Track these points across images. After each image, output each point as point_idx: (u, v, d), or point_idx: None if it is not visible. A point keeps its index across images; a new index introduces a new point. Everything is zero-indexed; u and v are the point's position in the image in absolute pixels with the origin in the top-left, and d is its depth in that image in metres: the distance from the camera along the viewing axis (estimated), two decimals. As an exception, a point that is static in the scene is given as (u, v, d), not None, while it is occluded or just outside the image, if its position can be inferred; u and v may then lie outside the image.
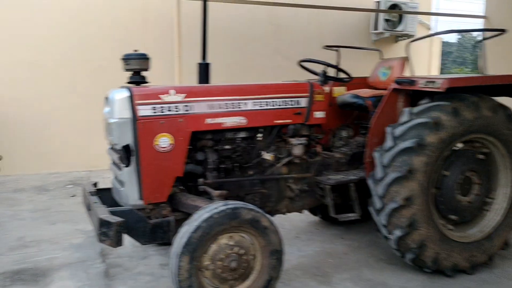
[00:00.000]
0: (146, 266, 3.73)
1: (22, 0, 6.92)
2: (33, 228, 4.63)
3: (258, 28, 8.45)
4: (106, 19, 7.36)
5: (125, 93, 3.02)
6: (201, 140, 3.37)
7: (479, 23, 8.90)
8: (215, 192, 3.05)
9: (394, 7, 8.94)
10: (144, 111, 3.04)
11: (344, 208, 3.85)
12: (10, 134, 7.03)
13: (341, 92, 4.34)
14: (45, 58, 7.06)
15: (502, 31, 3.66)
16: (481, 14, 8.61)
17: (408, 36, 9.40)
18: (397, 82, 3.58)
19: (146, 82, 3.27)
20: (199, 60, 5.75)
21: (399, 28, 9.10)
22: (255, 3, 7.74)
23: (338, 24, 9.05)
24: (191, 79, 6.19)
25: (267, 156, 3.58)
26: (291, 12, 8.38)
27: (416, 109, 3.40)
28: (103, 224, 2.77)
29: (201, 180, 3.25)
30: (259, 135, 3.57)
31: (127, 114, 3.00)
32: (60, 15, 7.13)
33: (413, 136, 3.27)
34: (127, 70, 3.20)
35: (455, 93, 3.42)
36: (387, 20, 9.02)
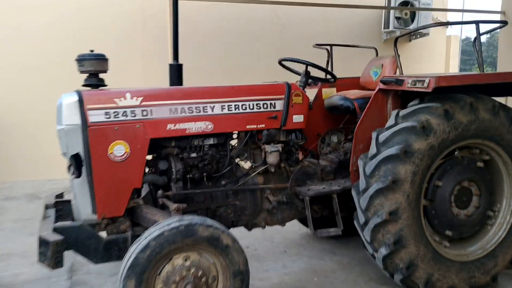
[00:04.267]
0: (114, 284, 3.46)
1: (18, 3, 6.83)
2: (9, 240, 4.43)
3: (262, 27, 8.15)
4: (103, 21, 7.20)
5: (74, 97, 2.76)
6: (165, 148, 3.08)
7: (496, 18, 8.36)
8: (172, 206, 2.75)
9: (405, 4, 8.49)
10: (96, 116, 2.77)
11: (330, 222, 3.49)
12: (5, 140, 6.94)
13: (330, 94, 4.00)
14: (42, 62, 6.95)
15: (504, 22, 3.25)
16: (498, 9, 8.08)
17: (421, 35, 8.93)
18: (383, 82, 3.21)
19: (104, 85, 3.00)
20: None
21: (412, 26, 8.63)
22: (258, 2, 7.44)
23: (346, 23, 8.66)
24: (186, 81, 5.95)
25: (243, 164, 3.28)
26: (296, 10, 8.04)
27: (403, 112, 3.03)
28: (41, 243, 2.51)
29: (160, 192, 2.96)
30: (231, 141, 3.27)
31: (76, 120, 2.73)
32: (55, 19, 7.02)
33: (399, 142, 2.89)
34: (82, 72, 2.94)
35: (450, 93, 3.03)
36: (398, 18, 8.57)
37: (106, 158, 2.80)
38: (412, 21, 8.67)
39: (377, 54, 4.33)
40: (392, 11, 8.43)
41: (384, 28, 8.72)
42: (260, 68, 7.79)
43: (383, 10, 8.67)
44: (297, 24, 8.34)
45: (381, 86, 3.24)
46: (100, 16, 7.19)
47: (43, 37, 6.94)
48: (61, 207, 3.26)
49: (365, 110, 3.29)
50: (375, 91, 3.29)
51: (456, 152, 3.18)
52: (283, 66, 3.70)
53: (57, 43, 7.00)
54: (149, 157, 3.14)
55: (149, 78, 7.28)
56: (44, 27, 6.95)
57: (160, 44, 7.16)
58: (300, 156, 3.47)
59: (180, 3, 6.49)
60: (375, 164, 2.93)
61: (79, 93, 2.78)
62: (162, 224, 2.54)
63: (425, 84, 2.89)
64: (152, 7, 7.36)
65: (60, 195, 3.43)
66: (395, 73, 3.67)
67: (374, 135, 3.09)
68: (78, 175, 2.79)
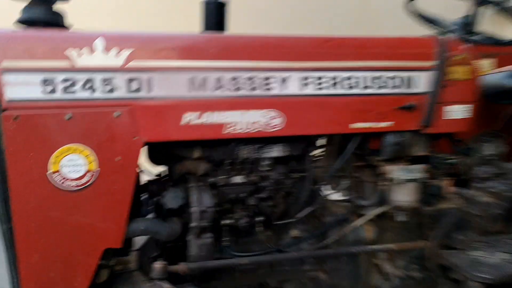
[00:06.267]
0: None
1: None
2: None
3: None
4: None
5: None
6: (178, 162, 1.48)
7: None
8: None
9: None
10: (22, 88, 1.21)
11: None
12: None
13: (487, 69, 2.28)
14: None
15: None
16: None
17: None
18: None
19: (63, 26, 1.43)
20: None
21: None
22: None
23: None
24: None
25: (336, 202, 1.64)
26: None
27: None
28: None
29: (157, 266, 1.35)
30: (314, 151, 1.62)
31: (-27, 94, 1.19)
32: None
33: None
34: (13, -5, 1.38)
35: None
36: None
37: (44, 181, 1.24)
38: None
39: None
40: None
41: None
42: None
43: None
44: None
45: None
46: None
47: None
48: None
49: None
50: None
51: None
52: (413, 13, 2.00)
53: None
54: (152, 171, 1.58)
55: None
56: None
57: None
58: (449, 187, 1.76)
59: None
60: None
61: (-15, 33, 1.22)
62: None
63: None
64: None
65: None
66: None
67: None
68: (-19, 217, 1.26)
